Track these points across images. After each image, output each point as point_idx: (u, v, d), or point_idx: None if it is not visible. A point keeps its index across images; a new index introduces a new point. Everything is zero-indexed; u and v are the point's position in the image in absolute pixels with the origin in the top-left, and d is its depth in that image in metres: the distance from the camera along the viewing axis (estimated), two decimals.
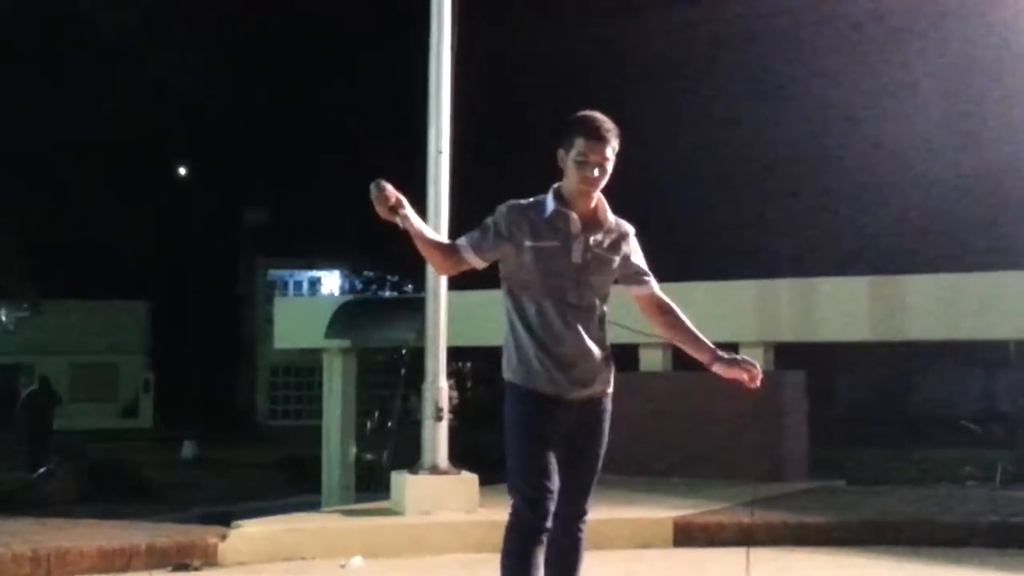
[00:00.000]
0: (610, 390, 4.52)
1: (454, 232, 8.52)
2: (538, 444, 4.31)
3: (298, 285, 39.47)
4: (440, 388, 8.32)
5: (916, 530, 8.03)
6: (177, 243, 35.93)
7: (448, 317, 8.45)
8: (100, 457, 21.54)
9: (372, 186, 4.47)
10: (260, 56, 30.08)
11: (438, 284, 8.42)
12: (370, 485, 14.14)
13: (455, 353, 8.61)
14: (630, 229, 4.52)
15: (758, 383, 4.39)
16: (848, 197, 19.05)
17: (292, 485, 18.60)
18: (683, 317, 4.56)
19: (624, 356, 10.89)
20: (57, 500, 16.39)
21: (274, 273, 39.72)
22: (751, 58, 19.77)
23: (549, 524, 4.30)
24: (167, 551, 7.11)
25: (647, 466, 10.42)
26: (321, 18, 26.95)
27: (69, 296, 34.05)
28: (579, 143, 4.31)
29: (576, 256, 4.34)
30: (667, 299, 4.56)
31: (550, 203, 4.38)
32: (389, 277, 27.85)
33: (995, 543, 7.80)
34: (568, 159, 4.34)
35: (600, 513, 7.72)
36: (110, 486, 18.03)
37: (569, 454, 4.40)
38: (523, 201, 4.43)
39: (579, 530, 4.49)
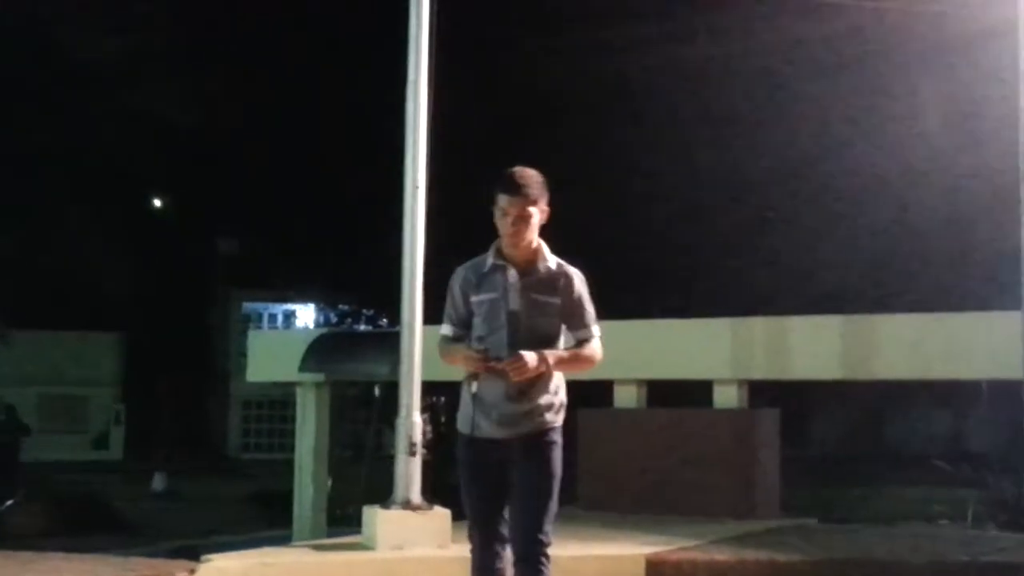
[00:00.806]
0: (555, 426, 4.85)
1: (431, 262, 8.56)
2: (473, 486, 4.86)
3: (272, 318, 39.35)
4: (414, 422, 8.29)
5: (886, 570, 8.05)
6: (150, 274, 35.75)
7: (423, 351, 8.44)
8: (69, 489, 21.34)
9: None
10: (235, 86, 30.06)
11: (413, 317, 8.42)
12: (342, 520, 14.05)
13: (429, 387, 8.57)
14: (575, 274, 4.88)
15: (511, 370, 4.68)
16: (824, 234, 19.14)
17: (263, 519, 18.46)
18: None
19: (598, 392, 10.91)
20: (24, 533, 16.19)
21: (248, 306, 39.59)
22: (719, 90, 19.87)
23: (499, 565, 4.77)
24: None
25: (619, 502, 10.40)
26: (298, 49, 27.01)
27: (39, 326, 33.77)
28: (500, 198, 4.76)
29: (513, 303, 4.75)
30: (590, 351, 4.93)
31: (489, 258, 4.85)
32: (364, 311, 27.78)
33: None
34: (496, 214, 4.78)
35: (571, 549, 7.73)
36: (78, 519, 17.85)
37: (517, 490, 4.80)
38: (466, 264, 4.92)
39: (540, 563, 4.76)
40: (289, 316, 39.05)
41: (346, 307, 29.24)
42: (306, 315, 37.98)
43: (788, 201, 19.03)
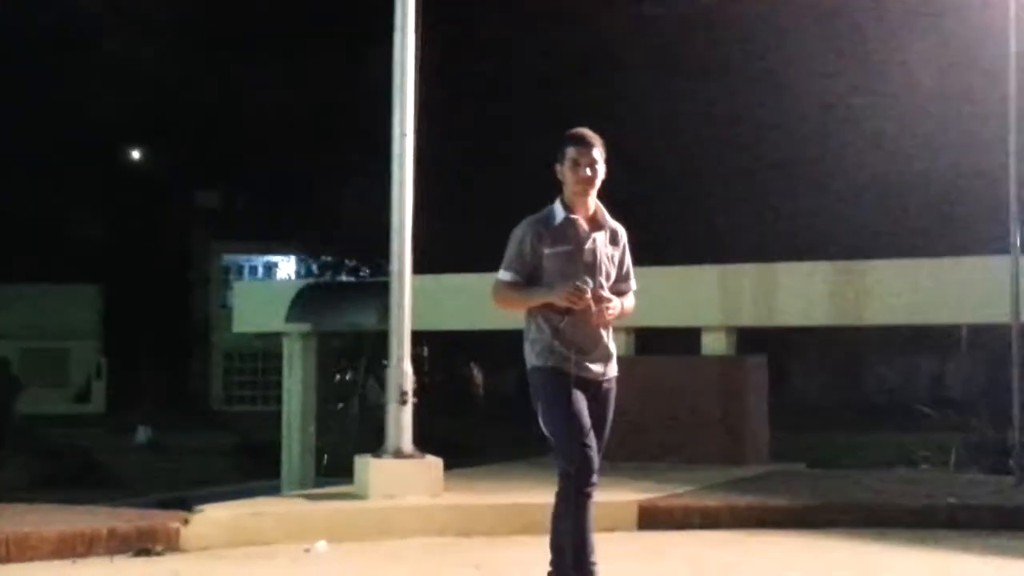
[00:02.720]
0: (616, 374, 5.22)
1: (418, 213, 8.51)
2: (573, 411, 4.99)
3: (253, 270, 39.15)
4: (405, 371, 8.28)
5: (877, 513, 8.11)
6: (130, 227, 35.49)
7: (412, 300, 8.41)
8: (53, 443, 21.27)
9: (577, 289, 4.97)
10: (214, 36, 29.72)
11: (403, 267, 8.38)
12: (330, 470, 14.06)
13: (414, 337, 8.55)
14: (624, 231, 5.26)
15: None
16: (813, 184, 19.13)
17: (249, 470, 18.46)
18: None
19: None
20: (13, 486, 16.16)
21: (228, 258, 39.36)
22: (720, 47, 19.77)
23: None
24: (128, 536, 7.03)
25: (610, 451, 10.39)
26: None
27: (19, 279, 33.54)
28: (570, 151, 5.11)
29: (587, 256, 5.08)
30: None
31: (559, 212, 5.13)
32: (347, 261, 27.68)
33: (953, 524, 7.89)
34: (564, 167, 5.11)
35: None
36: (64, 472, 17.83)
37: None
38: (532, 217, 5.16)
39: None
40: (270, 268, 38.88)
41: (328, 258, 29.11)
42: (287, 267, 37.82)
43: (782, 149, 18.99)
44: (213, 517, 7.44)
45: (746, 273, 11.52)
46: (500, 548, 7.28)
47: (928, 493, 8.75)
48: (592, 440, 5.01)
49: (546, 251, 5.05)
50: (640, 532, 7.91)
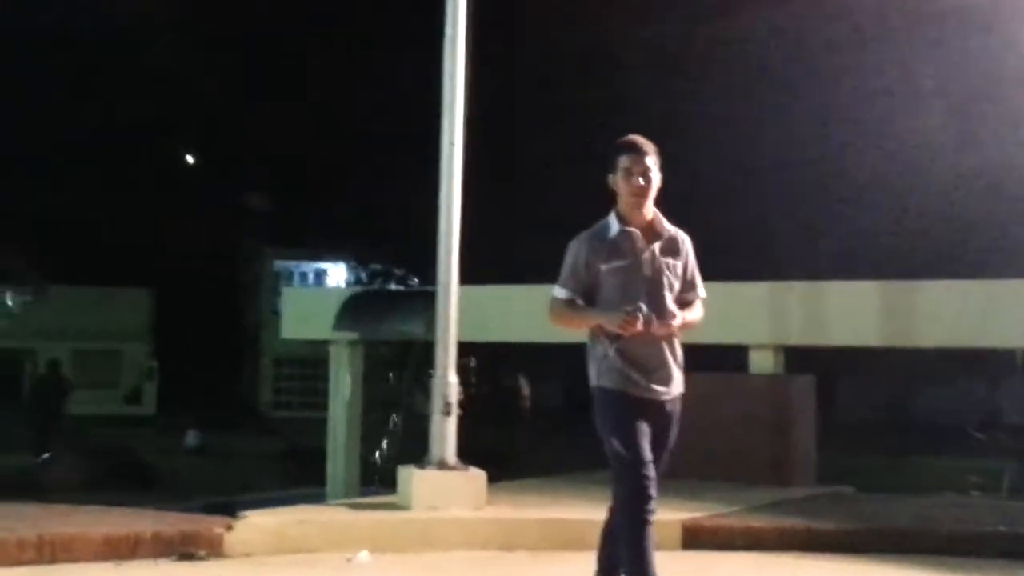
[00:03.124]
0: (681, 391, 5.13)
1: (466, 222, 8.50)
2: (634, 438, 4.87)
3: (304, 276, 39.39)
4: (450, 382, 8.27)
5: (926, 540, 7.96)
6: (183, 230, 35.88)
7: (459, 311, 8.40)
8: (103, 444, 21.50)
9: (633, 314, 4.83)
10: (270, 42, 30.01)
11: (449, 277, 8.38)
12: (375, 479, 14.09)
13: (461, 348, 8.55)
14: (686, 237, 5.04)
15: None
16: (857, 200, 18.98)
17: (295, 477, 18.55)
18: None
19: None
20: (60, 486, 16.35)
21: (279, 263, 39.64)
22: (756, 63, 19.71)
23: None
24: (172, 540, 7.06)
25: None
26: (334, 4, 26.90)
27: (74, 282, 34.00)
28: (622, 160, 4.91)
29: (646, 269, 4.89)
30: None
31: (613, 225, 4.92)
32: (396, 270, 27.80)
33: (1004, 554, 7.73)
34: (617, 177, 4.92)
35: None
36: (113, 473, 18.00)
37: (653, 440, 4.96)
38: (587, 232, 4.98)
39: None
40: (320, 274, 39.10)
41: (378, 266, 29.25)
42: (337, 273, 38.02)
43: (833, 170, 18.88)
44: (257, 523, 7.46)
45: (795, 290, 11.41)
46: (542, 564, 7.24)
47: (978, 520, 8.59)
48: (651, 470, 4.87)
49: (602, 267, 4.88)
50: (684, 552, 7.82)
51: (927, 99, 18.53)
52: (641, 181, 4.88)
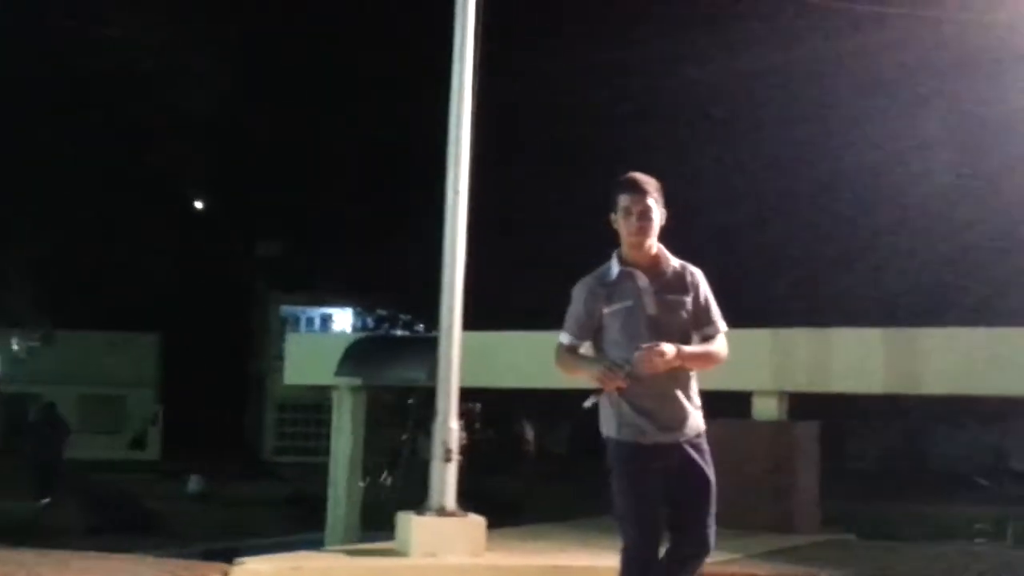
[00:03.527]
0: (703, 430, 4.85)
1: (470, 274, 8.52)
2: (639, 493, 4.72)
3: (310, 321, 39.40)
4: (451, 428, 8.24)
5: None
6: (190, 276, 35.94)
7: (461, 357, 8.38)
8: (106, 489, 21.42)
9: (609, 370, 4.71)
10: (278, 90, 30.21)
11: (452, 322, 8.37)
12: (376, 524, 14.01)
13: (465, 393, 8.52)
14: (695, 270, 4.90)
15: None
16: (863, 247, 18.98)
17: (297, 522, 18.45)
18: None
19: None
20: (60, 531, 16.28)
21: (286, 309, 39.66)
22: (762, 104, 19.79)
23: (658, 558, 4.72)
24: None
25: None
26: (340, 53, 27.11)
27: (81, 326, 34.03)
28: (622, 199, 4.82)
29: (650, 308, 4.76)
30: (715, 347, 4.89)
31: (614, 267, 4.83)
32: (402, 316, 27.84)
33: None
34: (618, 216, 4.83)
35: (609, 559, 7.62)
36: (114, 518, 17.91)
37: (674, 494, 4.76)
38: (590, 276, 4.89)
39: (705, 557, 4.85)
40: (326, 320, 39.12)
41: (384, 311, 29.27)
42: (343, 319, 38.04)
43: (833, 215, 18.90)
44: (253, 570, 7.43)
45: (799, 336, 11.38)
46: None
47: (982, 571, 8.53)
48: (654, 552, 4.72)
49: (605, 310, 4.77)
50: None
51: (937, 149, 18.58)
52: (639, 221, 4.78)
